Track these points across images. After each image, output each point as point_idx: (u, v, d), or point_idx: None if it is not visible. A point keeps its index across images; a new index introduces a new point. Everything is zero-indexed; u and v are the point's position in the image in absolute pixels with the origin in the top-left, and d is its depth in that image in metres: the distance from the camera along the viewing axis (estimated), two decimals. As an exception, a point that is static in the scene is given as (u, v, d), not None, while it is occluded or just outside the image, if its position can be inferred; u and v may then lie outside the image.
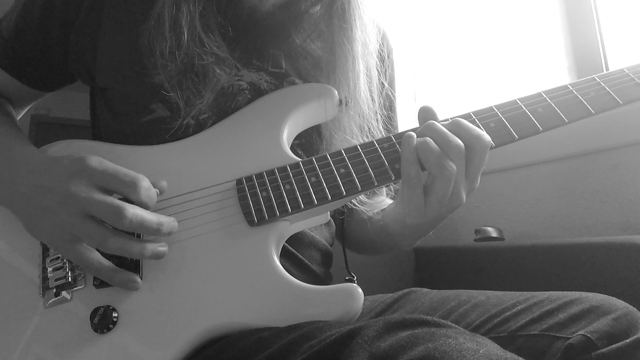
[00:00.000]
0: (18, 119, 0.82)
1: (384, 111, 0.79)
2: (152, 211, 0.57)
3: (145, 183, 0.56)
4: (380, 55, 0.81)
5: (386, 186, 0.87)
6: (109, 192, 0.55)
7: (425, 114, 0.63)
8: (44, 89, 0.80)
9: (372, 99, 0.75)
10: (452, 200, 0.59)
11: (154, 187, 0.58)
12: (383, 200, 0.88)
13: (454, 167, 0.57)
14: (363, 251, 0.89)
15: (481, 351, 0.38)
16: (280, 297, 0.56)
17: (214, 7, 0.70)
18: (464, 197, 0.60)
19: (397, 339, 0.40)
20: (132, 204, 0.55)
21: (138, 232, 0.56)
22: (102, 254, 0.57)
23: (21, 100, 0.82)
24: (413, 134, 0.59)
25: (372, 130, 0.74)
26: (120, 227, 0.53)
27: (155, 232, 0.55)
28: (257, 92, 0.72)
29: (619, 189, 1.03)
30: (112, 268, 0.56)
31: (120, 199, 0.55)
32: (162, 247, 0.57)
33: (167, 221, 0.56)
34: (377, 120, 0.76)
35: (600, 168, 1.06)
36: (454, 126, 0.59)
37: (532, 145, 1.12)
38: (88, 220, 0.53)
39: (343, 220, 0.86)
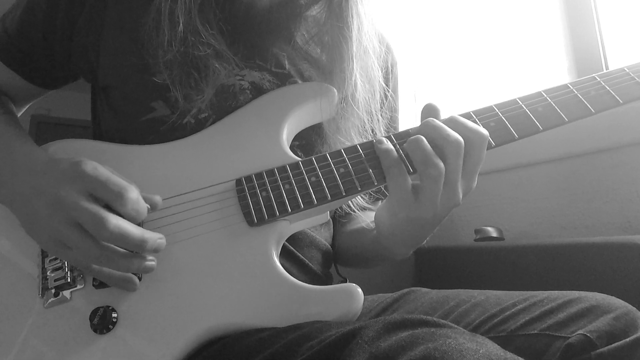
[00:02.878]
0: (18, 116, 0.82)
1: (385, 112, 0.79)
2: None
3: (132, 195, 0.53)
4: (385, 61, 0.80)
5: (383, 188, 0.86)
6: (102, 201, 0.54)
7: (429, 112, 0.62)
8: (46, 86, 0.80)
9: (373, 101, 0.75)
10: (447, 199, 0.57)
11: (147, 200, 0.56)
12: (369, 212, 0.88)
13: (442, 166, 0.55)
14: (355, 263, 0.86)
15: (481, 351, 0.38)
16: (280, 297, 0.56)
17: (212, 0, 0.71)
18: (461, 196, 0.58)
19: (397, 339, 0.40)
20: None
21: (120, 246, 0.54)
22: None
23: (22, 98, 0.82)
24: (384, 139, 0.60)
25: (371, 132, 0.74)
26: (100, 238, 0.51)
27: (138, 248, 0.53)
28: (258, 92, 0.72)
29: (619, 189, 1.03)
30: (109, 269, 0.55)
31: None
32: (149, 262, 0.55)
33: (152, 237, 0.54)
34: (378, 120, 0.75)
35: (600, 168, 1.06)
36: (450, 123, 0.59)
37: (532, 145, 1.12)
38: (74, 228, 0.52)
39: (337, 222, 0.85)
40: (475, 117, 0.63)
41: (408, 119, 1.44)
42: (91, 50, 0.72)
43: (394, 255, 0.73)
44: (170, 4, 0.67)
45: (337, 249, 0.84)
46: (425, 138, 0.57)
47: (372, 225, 0.77)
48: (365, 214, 0.82)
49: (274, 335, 0.49)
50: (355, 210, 0.75)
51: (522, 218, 1.20)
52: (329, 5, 0.74)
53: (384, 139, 0.61)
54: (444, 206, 0.58)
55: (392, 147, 0.59)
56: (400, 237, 0.65)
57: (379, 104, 0.76)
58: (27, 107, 0.86)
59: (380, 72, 0.76)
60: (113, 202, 0.53)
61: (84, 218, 0.51)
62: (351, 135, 0.72)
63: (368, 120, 0.73)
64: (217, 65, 0.67)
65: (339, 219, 0.85)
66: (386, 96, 0.79)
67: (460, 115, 0.63)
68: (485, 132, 0.58)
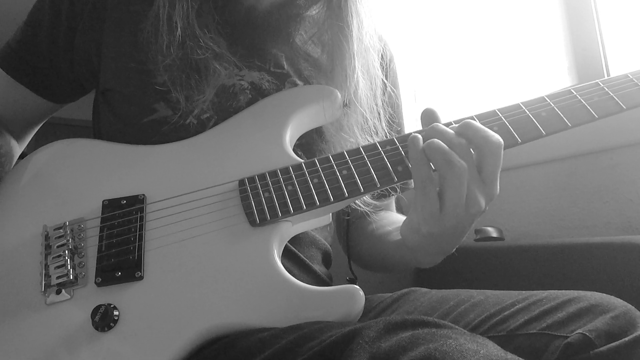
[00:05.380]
0: (22, 149, 0.81)
1: (387, 108, 0.79)
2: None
3: None
4: (382, 55, 0.80)
5: (389, 188, 0.86)
6: None
7: (428, 117, 0.62)
8: (53, 99, 0.79)
9: (374, 98, 0.75)
10: (468, 205, 0.55)
11: None
12: (392, 214, 0.87)
13: (463, 163, 0.54)
14: (376, 268, 0.86)
15: (481, 352, 0.38)
16: (281, 298, 0.56)
17: (210, 5, 0.71)
18: (483, 202, 0.56)
19: (397, 339, 0.40)
20: None
21: None
22: (105, 249, 0.58)
23: (29, 117, 0.81)
24: (419, 135, 0.58)
25: (374, 129, 0.74)
26: None
27: None
28: (258, 92, 0.73)
29: (619, 189, 1.03)
30: None
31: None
32: None
33: None
34: (379, 119, 0.75)
35: (600, 168, 1.06)
36: (464, 128, 0.57)
37: (533, 146, 1.11)
38: None
39: (348, 222, 0.86)
40: (478, 121, 0.63)
41: (408, 119, 1.44)
42: (93, 55, 0.73)
43: (421, 265, 0.71)
44: (168, 10, 0.67)
45: (356, 252, 0.84)
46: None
47: (390, 229, 0.76)
48: (378, 214, 0.82)
49: (274, 336, 0.49)
50: (361, 206, 0.75)
51: (522, 218, 1.20)
52: (328, 5, 0.74)
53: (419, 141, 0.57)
54: (466, 213, 0.56)
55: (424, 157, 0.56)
56: (426, 249, 0.63)
57: (380, 101, 0.76)
58: (34, 131, 0.84)
59: (381, 69, 0.77)
60: None
61: None
62: (355, 132, 0.72)
63: (371, 117, 0.74)
64: (217, 66, 0.68)
65: (343, 217, 0.85)
66: (384, 92, 0.80)
67: (464, 119, 0.63)
68: (497, 137, 0.56)
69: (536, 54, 1.38)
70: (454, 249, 0.65)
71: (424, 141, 0.57)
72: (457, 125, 0.59)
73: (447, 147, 0.55)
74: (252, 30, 0.75)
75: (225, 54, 0.69)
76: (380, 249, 0.78)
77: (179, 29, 0.67)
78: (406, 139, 0.62)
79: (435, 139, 0.56)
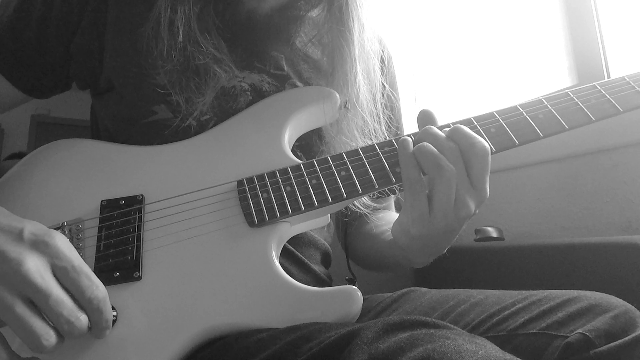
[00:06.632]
0: None
1: (385, 111, 0.79)
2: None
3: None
4: (382, 58, 0.81)
5: (388, 189, 0.86)
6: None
7: (425, 119, 0.62)
8: (30, 92, 0.76)
9: (374, 101, 0.75)
10: (457, 208, 0.56)
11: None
12: (390, 214, 0.88)
13: (452, 167, 0.55)
14: (373, 267, 0.86)
15: (480, 352, 0.38)
16: (279, 298, 0.56)
17: (211, 9, 0.71)
18: (472, 206, 0.56)
19: (396, 340, 0.40)
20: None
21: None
22: (103, 250, 0.58)
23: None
24: (409, 138, 0.59)
25: (373, 132, 0.74)
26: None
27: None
28: (258, 94, 0.73)
29: (619, 189, 1.03)
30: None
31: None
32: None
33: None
34: (379, 122, 0.76)
35: (600, 168, 1.06)
36: (453, 132, 0.58)
37: (532, 146, 1.11)
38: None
39: (347, 223, 0.86)
40: (475, 122, 0.63)
41: (408, 120, 1.44)
42: (96, 54, 0.72)
43: (413, 264, 0.71)
44: (170, 15, 0.67)
45: (354, 251, 0.84)
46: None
47: (386, 228, 0.76)
48: (375, 214, 0.82)
49: (272, 336, 0.49)
50: (360, 207, 0.75)
51: (522, 218, 1.20)
52: (328, 8, 0.74)
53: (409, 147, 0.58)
54: (455, 216, 0.56)
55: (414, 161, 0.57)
56: (416, 250, 0.63)
57: (379, 103, 0.76)
58: None
59: (380, 72, 0.77)
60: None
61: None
62: (355, 135, 0.72)
63: (371, 120, 0.74)
64: (217, 69, 0.68)
65: (342, 218, 0.85)
66: (383, 94, 0.80)
67: (461, 121, 0.63)
68: (482, 144, 0.56)
69: (536, 54, 1.38)
70: (445, 250, 0.65)
71: (416, 143, 0.57)
72: (447, 129, 0.59)
73: (436, 151, 0.56)
74: (252, 33, 0.75)
75: (225, 59, 0.69)
76: (376, 248, 0.79)
77: (180, 34, 0.66)
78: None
79: (426, 143, 0.57)
